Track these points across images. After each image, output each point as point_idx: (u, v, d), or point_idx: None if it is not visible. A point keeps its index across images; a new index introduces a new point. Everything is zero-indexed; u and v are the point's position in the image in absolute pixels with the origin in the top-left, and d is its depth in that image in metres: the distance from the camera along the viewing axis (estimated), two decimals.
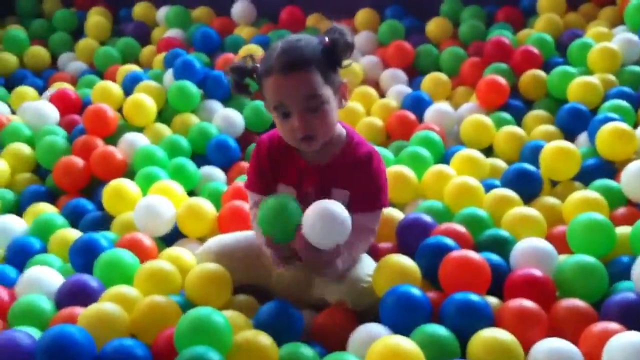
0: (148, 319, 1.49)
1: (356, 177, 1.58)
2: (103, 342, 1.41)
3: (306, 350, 1.42)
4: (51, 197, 2.18)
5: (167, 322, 1.47)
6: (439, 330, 1.42)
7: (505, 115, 2.30)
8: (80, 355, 1.36)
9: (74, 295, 1.60)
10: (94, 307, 1.49)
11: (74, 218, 2.04)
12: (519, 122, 2.31)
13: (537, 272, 1.55)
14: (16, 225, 1.96)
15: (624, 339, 1.30)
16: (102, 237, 1.81)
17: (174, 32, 2.94)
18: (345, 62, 1.54)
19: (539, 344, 1.38)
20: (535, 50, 2.46)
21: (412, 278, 1.55)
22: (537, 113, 2.31)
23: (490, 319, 1.46)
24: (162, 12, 3.05)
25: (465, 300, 1.47)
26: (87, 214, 2.04)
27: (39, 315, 1.55)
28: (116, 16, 3.17)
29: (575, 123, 2.19)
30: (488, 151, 2.24)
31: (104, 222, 2.00)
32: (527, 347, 1.39)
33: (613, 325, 1.38)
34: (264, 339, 1.40)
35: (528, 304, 1.46)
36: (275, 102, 1.51)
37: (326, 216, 1.44)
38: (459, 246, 1.63)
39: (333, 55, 1.52)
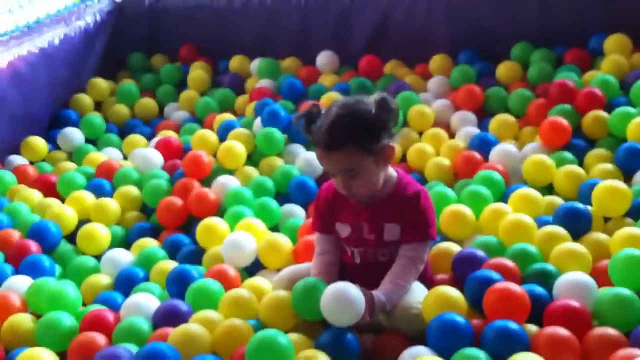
0: (226, 339, 1.74)
1: (405, 213, 1.81)
2: (188, 358, 1.67)
3: None
4: (155, 232, 2.48)
5: (242, 342, 1.70)
6: (477, 353, 1.59)
7: (567, 155, 2.43)
8: None
9: (167, 317, 1.87)
10: (182, 328, 1.76)
11: (173, 251, 2.32)
12: (581, 160, 2.44)
13: (574, 303, 1.69)
14: (123, 258, 2.27)
15: None
16: (194, 269, 2.09)
17: (264, 82, 3.24)
18: (392, 131, 1.77)
19: None
20: (598, 92, 2.58)
21: (458, 307, 1.73)
22: (598, 152, 2.43)
23: (526, 345, 1.62)
24: (255, 63, 3.36)
25: (503, 327, 1.64)
26: (184, 248, 2.33)
27: (138, 334, 1.83)
28: (215, 68, 3.50)
29: (632, 161, 2.30)
30: (550, 189, 2.37)
31: (198, 254, 2.28)
32: None
33: (636, 351, 1.51)
34: (322, 358, 1.62)
35: (561, 331, 1.61)
36: (322, 166, 1.82)
37: (340, 299, 1.67)
38: (504, 279, 1.79)
39: (377, 131, 1.75)
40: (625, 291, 1.71)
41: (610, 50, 2.83)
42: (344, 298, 1.68)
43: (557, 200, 2.23)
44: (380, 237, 1.85)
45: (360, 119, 1.73)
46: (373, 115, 1.74)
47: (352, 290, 1.69)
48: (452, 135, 2.76)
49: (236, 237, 2.18)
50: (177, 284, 2.04)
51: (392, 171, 1.86)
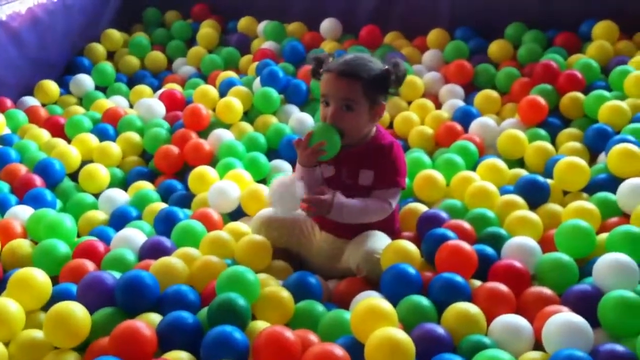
0: (202, 273, 1.92)
1: (379, 161, 2.00)
2: (166, 286, 1.85)
3: (318, 306, 1.82)
4: (151, 176, 2.66)
5: (216, 276, 1.88)
6: (422, 300, 1.77)
7: (541, 131, 2.58)
8: (146, 293, 1.81)
9: (152, 251, 2.05)
10: (163, 259, 1.94)
11: (166, 195, 2.50)
12: (554, 138, 2.58)
13: (516, 263, 1.86)
14: (120, 197, 2.44)
15: (560, 317, 1.60)
16: (180, 211, 2.27)
17: (269, 44, 3.39)
18: (391, 91, 1.97)
19: (498, 318, 1.70)
20: (579, 74, 2.72)
21: (412, 259, 1.90)
22: (570, 131, 2.58)
23: (467, 296, 1.79)
24: (262, 25, 3.51)
25: (448, 278, 1.81)
26: (176, 192, 2.51)
27: (124, 264, 2.01)
28: (224, 28, 3.65)
29: (600, 142, 2.43)
30: (522, 162, 2.52)
31: (188, 199, 2.45)
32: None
33: (562, 308, 1.68)
34: (284, 293, 1.80)
35: (500, 286, 1.78)
36: (323, 91, 1.97)
37: (280, 189, 1.92)
38: (459, 238, 1.96)
39: (382, 83, 1.95)
40: (564, 256, 1.87)
41: (598, 36, 2.95)
42: (284, 185, 1.92)
43: (522, 172, 2.37)
44: (356, 182, 2.02)
45: (373, 69, 1.95)
46: (384, 71, 1.94)
47: (293, 180, 1.93)
48: (439, 107, 2.90)
49: (221, 185, 2.35)
50: (165, 223, 2.22)
51: (373, 128, 2.04)
